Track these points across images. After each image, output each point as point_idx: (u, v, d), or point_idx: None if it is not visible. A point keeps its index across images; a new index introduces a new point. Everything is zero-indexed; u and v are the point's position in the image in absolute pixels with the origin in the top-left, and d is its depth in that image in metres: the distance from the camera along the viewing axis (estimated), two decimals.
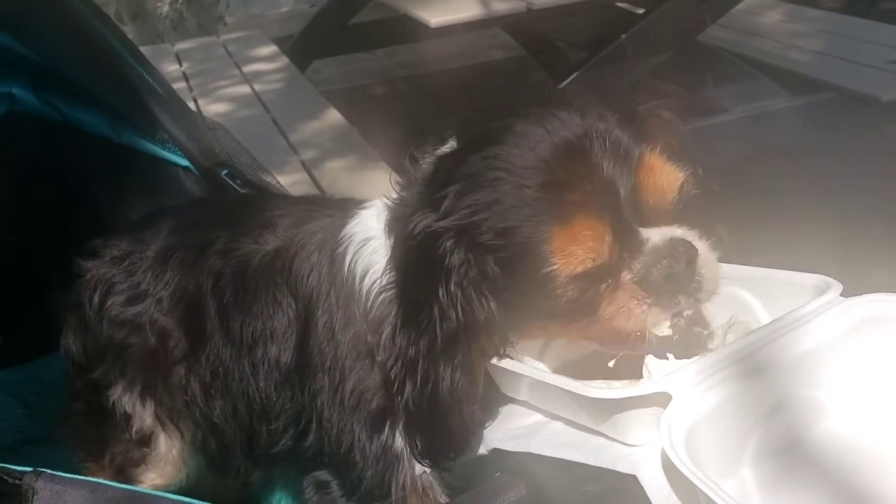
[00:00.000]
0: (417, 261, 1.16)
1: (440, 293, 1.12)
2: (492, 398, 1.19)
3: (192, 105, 4.04)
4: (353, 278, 1.29)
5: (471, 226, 1.11)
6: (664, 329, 1.10)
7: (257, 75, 4.57)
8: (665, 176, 1.11)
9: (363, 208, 1.34)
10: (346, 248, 1.32)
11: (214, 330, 1.50)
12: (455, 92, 5.68)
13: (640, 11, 4.05)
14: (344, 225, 1.35)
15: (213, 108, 4.09)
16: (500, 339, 1.17)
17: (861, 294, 1.15)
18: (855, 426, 1.06)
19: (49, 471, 1.19)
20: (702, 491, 0.86)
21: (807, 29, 4.94)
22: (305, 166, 3.38)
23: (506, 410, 1.17)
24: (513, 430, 1.12)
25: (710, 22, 4.04)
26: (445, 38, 4.68)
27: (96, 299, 1.62)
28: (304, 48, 5.41)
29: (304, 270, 1.38)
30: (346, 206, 1.41)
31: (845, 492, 0.99)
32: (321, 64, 5.94)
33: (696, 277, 1.10)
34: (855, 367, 1.08)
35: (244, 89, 4.36)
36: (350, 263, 1.30)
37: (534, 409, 1.14)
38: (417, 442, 1.22)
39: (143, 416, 1.60)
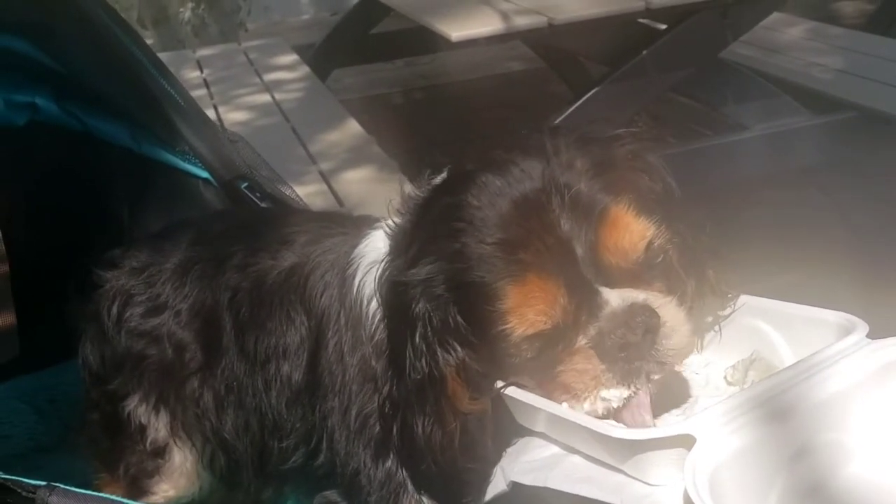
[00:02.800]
0: (391, 307, 1.17)
1: (408, 344, 1.12)
2: (506, 432, 1.17)
3: (211, 112, 4.07)
4: (361, 300, 1.28)
5: (432, 279, 1.10)
6: (620, 393, 1.06)
7: (278, 84, 4.58)
8: (629, 234, 1.06)
9: (375, 228, 1.33)
10: (356, 269, 1.32)
11: (230, 344, 1.50)
12: (474, 103, 5.69)
13: (662, 27, 4.04)
14: (356, 245, 1.35)
15: (232, 116, 4.10)
16: (474, 387, 1.14)
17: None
18: (881, 471, 1.03)
19: (62, 485, 1.19)
20: None
21: (828, 46, 4.90)
22: (324, 177, 3.38)
23: (522, 442, 1.15)
24: (530, 463, 1.10)
25: (732, 39, 4.02)
26: (465, 49, 4.69)
27: (115, 310, 1.63)
28: (324, 56, 5.42)
29: (318, 289, 1.38)
30: (362, 225, 1.41)
31: None
32: (342, 72, 5.95)
33: (658, 346, 1.05)
34: (881, 410, 1.06)
35: (264, 97, 4.37)
36: (359, 285, 1.29)
37: (551, 442, 1.12)
38: (410, 477, 1.23)
39: (158, 427, 1.60)
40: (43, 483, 1.19)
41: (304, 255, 1.45)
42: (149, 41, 6.56)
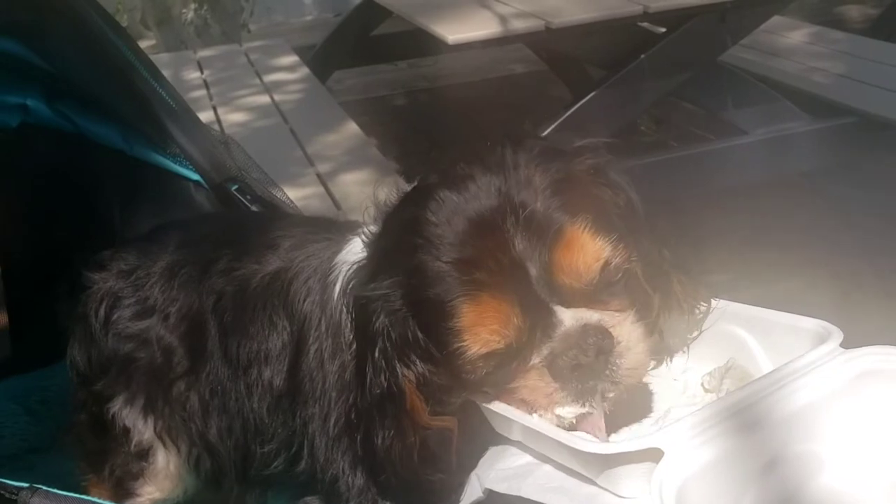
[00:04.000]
0: (353, 319, 1.18)
1: (368, 359, 1.13)
2: (481, 440, 1.18)
3: (211, 113, 4.07)
4: (341, 307, 1.28)
5: (390, 294, 1.11)
6: (575, 410, 1.07)
7: (277, 85, 4.59)
8: (583, 255, 1.05)
9: (358, 234, 1.33)
10: (338, 275, 1.31)
11: (215, 348, 1.51)
12: (475, 105, 5.68)
13: (661, 31, 4.04)
14: (339, 251, 1.35)
15: (232, 118, 4.11)
16: (434, 401, 1.15)
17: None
18: (852, 481, 1.04)
19: (45, 487, 1.19)
20: None
21: (829, 51, 4.89)
22: (321, 179, 3.39)
23: (498, 449, 1.15)
24: (504, 471, 1.10)
25: (731, 43, 4.02)
26: (467, 52, 4.69)
27: (102, 312, 1.63)
28: (326, 57, 5.44)
29: (301, 294, 1.38)
30: (346, 231, 1.41)
31: None
32: (343, 74, 5.97)
33: (611, 367, 1.06)
34: (853, 421, 1.06)
35: (264, 99, 4.38)
36: (339, 292, 1.29)
37: (526, 450, 1.12)
38: (374, 485, 1.24)
39: (143, 430, 1.60)
40: (26, 485, 1.19)
41: (288, 260, 1.45)
42: (152, 42, 6.61)
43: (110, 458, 1.65)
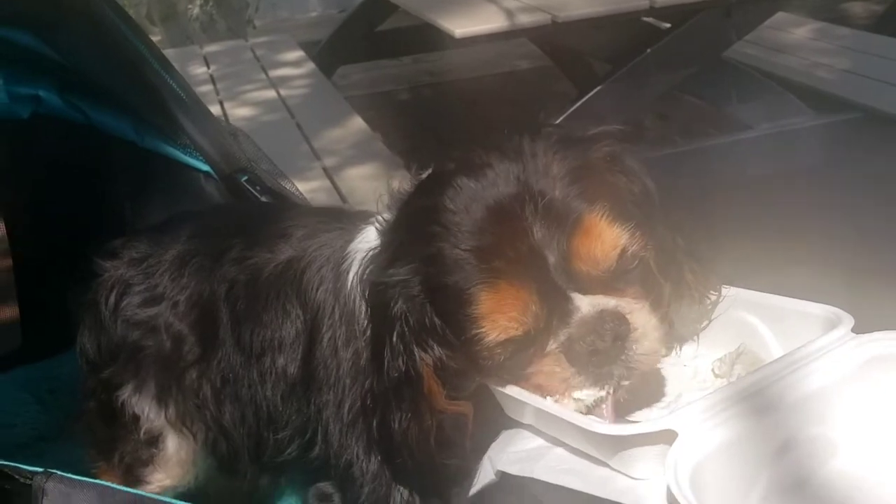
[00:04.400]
0: (371, 306, 1.19)
1: (387, 343, 1.14)
2: (493, 425, 1.19)
3: (217, 108, 4.09)
4: (355, 295, 1.29)
5: (409, 280, 1.12)
6: (591, 394, 1.08)
7: (283, 80, 4.60)
8: (601, 243, 1.06)
9: (370, 223, 1.34)
10: (351, 264, 1.32)
11: (227, 336, 1.51)
12: (480, 100, 5.69)
13: (666, 26, 4.04)
14: (351, 240, 1.36)
15: (238, 112, 4.12)
16: (451, 386, 1.16)
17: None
18: (864, 465, 1.04)
19: (59, 472, 1.21)
20: None
21: (834, 47, 4.89)
22: (327, 173, 3.40)
23: (510, 433, 1.16)
24: (517, 454, 1.11)
25: (737, 38, 4.02)
26: (472, 46, 4.69)
27: (112, 299, 1.64)
28: (331, 53, 5.45)
29: (314, 283, 1.39)
30: (358, 220, 1.42)
31: None
32: (348, 69, 5.97)
33: (627, 352, 1.07)
34: (865, 405, 1.07)
35: (270, 94, 4.39)
36: (353, 280, 1.30)
37: (538, 434, 1.13)
38: (389, 470, 1.25)
39: (153, 417, 1.61)
40: (40, 469, 1.21)
41: (301, 249, 1.46)
42: (157, 38, 6.62)
43: (120, 445, 1.66)
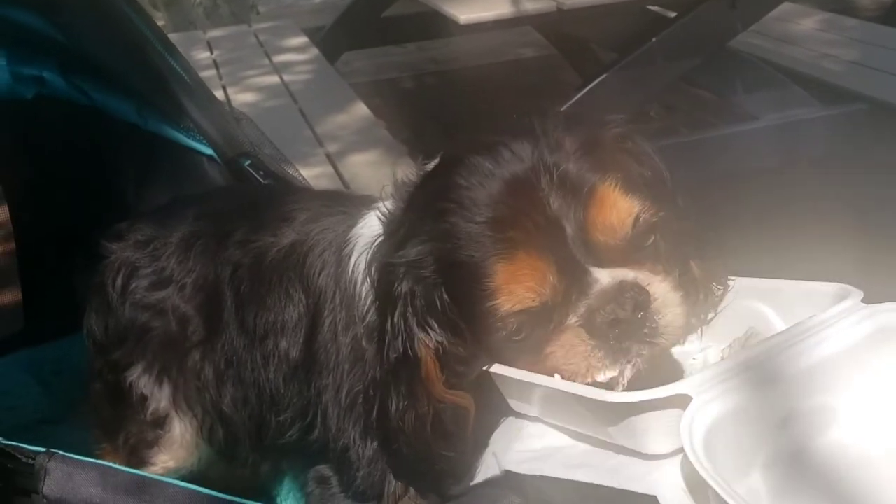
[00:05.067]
0: (378, 287, 1.18)
1: (387, 323, 1.13)
2: (490, 421, 1.18)
3: (220, 94, 4.08)
4: (356, 281, 1.29)
5: (421, 259, 1.11)
6: (609, 373, 1.06)
7: (287, 65, 4.59)
8: (617, 211, 1.05)
9: (373, 209, 1.33)
10: (353, 248, 1.32)
11: (230, 319, 1.52)
12: (484, 88, 5.67)
13: (672, 15, 4.03)
14: (354, 225, 1.36)
15: (241, 98, 4.11)
16: (451, 373, 1.14)
17: (884, 298, 1.12)
18: (864, 436, 1.04)
19: (61, 452, 1.21)
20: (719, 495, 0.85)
21: (841, 38, 4.87)
22: (330, 159, 3.40)
23: (514, 424, 1.15)
24: (524, 453, 1.09)
25: (742, 28, 4.00)
26: (477, 34, 4.68)
27: (119, 282, 1.65)
28: (335, 39, 5.43)
29: (317, 267, 1.39)
30: (361, 205, 1.42)
31: (847, 501, 0.98)
32: (352, 56, 5.95)
33: (648, 324, 1.05)
34: (870, 375, 1.06)
35: (273, 79, 4.39)
36: (354, 265, 1.30)
37: (546, 427, 1.11)
38: (386, 459, 1.24)
39: (160, 398, 1.62)
40: (42, 450, 1.21)
41: (304, 233, 1.46)
42: (160, 22, 6.60)
43: (125, 426, 1.67)
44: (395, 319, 1.13)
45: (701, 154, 4.13)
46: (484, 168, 1.09)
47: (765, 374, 1.01)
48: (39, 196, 2.14)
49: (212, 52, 4.86)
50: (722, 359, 1.22)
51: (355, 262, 1.30)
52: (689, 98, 4.89)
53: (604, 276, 1.05)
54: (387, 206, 1.26)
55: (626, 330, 1.05)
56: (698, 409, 0.95)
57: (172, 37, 5.33)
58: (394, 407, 1.14)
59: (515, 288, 1.04)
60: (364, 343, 1.26)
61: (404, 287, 1.12)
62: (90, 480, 1.19)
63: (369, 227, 1.31)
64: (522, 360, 1.11)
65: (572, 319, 1.06)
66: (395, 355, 1.13)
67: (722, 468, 0.90)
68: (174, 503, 1.17)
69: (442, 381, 1.14)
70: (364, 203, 1.42)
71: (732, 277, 1.26)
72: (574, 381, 1.07)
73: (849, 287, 1.13)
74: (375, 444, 1.27)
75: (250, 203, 1.66)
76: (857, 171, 4.00)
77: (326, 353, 1.36)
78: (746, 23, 4.01)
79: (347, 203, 1.50)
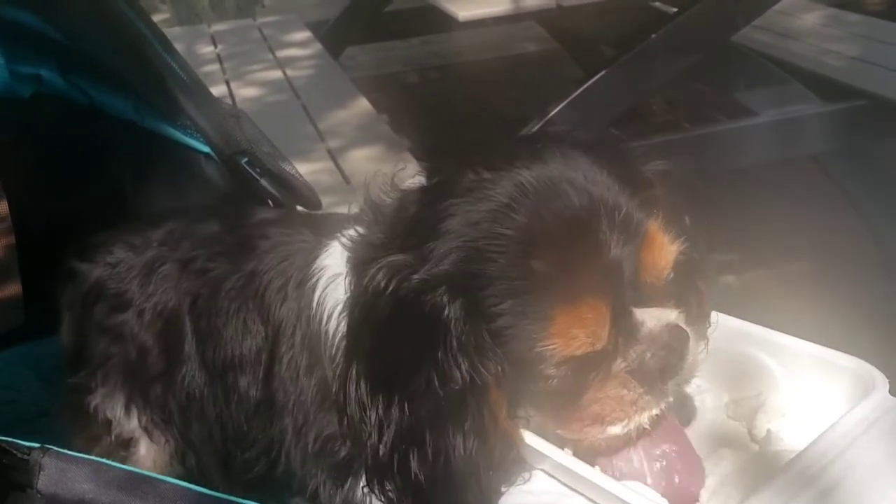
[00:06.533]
0: (397, 316, 1.02)
1: (438, 352, 0.99)
2: (512, 462, 1.10)
3: (224, 88, 4.09)
4: (321, 318, 1.21)
5: (469, 284, 1.00)
6: (650, 416, 1.03)
7: (290, 60, 4.60)
8: (664, 252, 1.02)
9: (336, 238, 1.24)
10: (317, 282, 1.24)
11: (192, 352, 1.48)
12: (487, 83, 5.69)
13: (673, 10, 4.02)
14: (318, 256, 1.28)
15: (244, 92, 4.13)
16: (511, 401, 1.05)
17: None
18: None
19: (56, 448, 1.22)
20: None
21: (844, 33, 4.85)
22: (331, 154, 3.41)
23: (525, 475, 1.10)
24: (529, 495, 1.05)
25: (743, 24, 3.99)
26: (480, 29, 4.68)
27: (86, 303, 1.64)
28: (338, 33, 5.43)
29: (277, 300, 1.33)
30: (325, 230, 1.34)
31: None
32: (355, 50, 5.97)
33: (685, 365, 1.03)
34: None
35: (276, 74, 4.40)
36: (318, 300, 1.22)
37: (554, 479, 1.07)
38: None
39: (124, 422, 1.59)
40: (37, 445, 1.22)
41: (264, 263, 1.40)
42: (165, 15, 6.60)
43: (95, 444, 1.64)
44: (453, 344, 0.99)
45: (702, 149, 4.12)
46: (540, 198, 1.01)
47: (825, 487, 0.95)
48: (37, 193, 2.15)
49: (216, 47, 4.88)
50: (727, 413, 1.17)
51: (319, 296, 1.22)
52: (690, 93, 4.89)
53: (647, 318, 1.02)
54: (357, 231, 1.17)
55: (671, 374, 1.03)
56: None
57: (177, 30, 5.38)
58: (461, 449, 1.01)
59: (577, 332, 0.98)
60: (335, 388, 1.13)
61: (454, 309, 1.00)
62: (83, 476, 1.20)
63: (335, 258, 1.23)
64: (555, 404, 1.06)
65: (621, 365, 1.02)
66: (456, 387, 1.00)
67: None
68: (166, 499, 1.18)
69: (505, 409, 1.05)
70: (328, 229, 1.33)
71: (716, 316, 1.22)
72: (614, 427, 1.03)
73: (871, 368, 1.07)
74: (345, 489, 1.22)
75: (215, 228, 1.61)
76: (857, 168, 4.00)
77: (285, 393, 1.30)
78: (748, 18, 3.99)
79: (311, 229, 1.42)
